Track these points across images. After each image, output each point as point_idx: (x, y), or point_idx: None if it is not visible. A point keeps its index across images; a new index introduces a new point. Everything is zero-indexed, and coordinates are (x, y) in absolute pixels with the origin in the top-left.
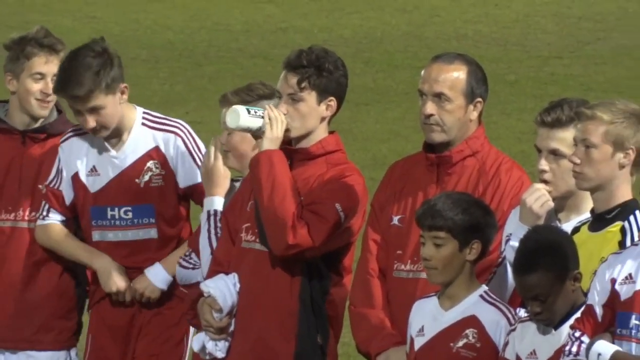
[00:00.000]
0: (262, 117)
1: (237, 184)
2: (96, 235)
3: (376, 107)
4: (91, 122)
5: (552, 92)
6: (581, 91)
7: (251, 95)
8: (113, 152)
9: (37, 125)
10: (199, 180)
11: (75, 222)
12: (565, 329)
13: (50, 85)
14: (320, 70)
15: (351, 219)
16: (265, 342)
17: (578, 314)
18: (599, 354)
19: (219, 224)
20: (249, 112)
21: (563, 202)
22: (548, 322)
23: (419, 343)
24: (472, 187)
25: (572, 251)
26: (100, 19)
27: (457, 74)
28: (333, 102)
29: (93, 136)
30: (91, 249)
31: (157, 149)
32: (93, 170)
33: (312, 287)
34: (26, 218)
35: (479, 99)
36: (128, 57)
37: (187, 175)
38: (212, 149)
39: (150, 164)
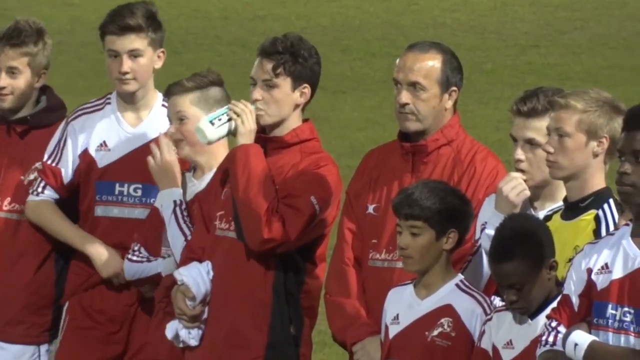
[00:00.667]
0: (229, 119)
1: (189, 175)
2: (99, 210)
3: (353, 95)
4: (126, 65)
5: (530, 81)
6: (558, 80)
7: (203, 79)
8: (129, 129)
9: (19, 116)
10: None
11: (66, 205)
12: (542, 318)
13: (4, 79)
14: (295, 57)
15: (326, 211)
16: (238, 332)
17: (554, 304)
18: (576, 344)
19: (185, 213)
20: (213, 123)
21: (539, 191)
22: (524, 310)
23: (393, 331)
24: (447, 175)
25: (548, 239)
26: (78, 6)
27: (432, 63)
28: (307, 90)
29: (107, 113)
30: (84, 234)
31: None
32: (103, 145)
33: (286, 279)
34: (5, 208)
35: (454, 88)
36: None
37: None
38: (166, 142)
39: None
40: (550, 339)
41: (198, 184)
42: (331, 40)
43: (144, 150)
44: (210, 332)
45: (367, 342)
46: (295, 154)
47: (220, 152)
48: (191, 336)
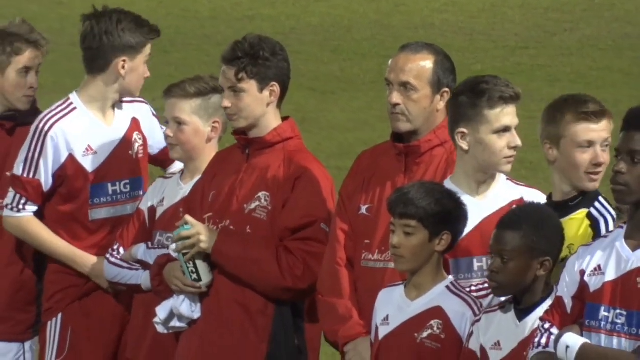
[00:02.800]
0: (195, 270)
1: (177, 179)
2: (93, 214)
3: (343, 96)
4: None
5: (519, 82)
6: (548, 82)
7: (205, 86)
8: (107, 128)
9: (6, 112)
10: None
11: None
12: (531, 320)
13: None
14: (255, 59)
15: (330, 221)
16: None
17: (546, 306)
18: (567, 346)
19: None
20: (196, 279)
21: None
22: (496, 286)
23: (383, 332)
24: (440, 177)
25: (556, 241)
26: (66, 4)
27: (424, 64)
28: (276, 87)
29: (79, 116)
30: (72, 249)
31: (135, 119)
32: (89, 149)
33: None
34: None
35: (446, 89)
36: None
37: (159, 140)
38: None
39: (135, 135)
40: (543, 340)
41: (187, 188)
42: (321, 41)
43: (123, 145)
44: (203, 342)
45: (358, 343)
46: (278, 153)
47: (211, 157)
48: (193, 309)
